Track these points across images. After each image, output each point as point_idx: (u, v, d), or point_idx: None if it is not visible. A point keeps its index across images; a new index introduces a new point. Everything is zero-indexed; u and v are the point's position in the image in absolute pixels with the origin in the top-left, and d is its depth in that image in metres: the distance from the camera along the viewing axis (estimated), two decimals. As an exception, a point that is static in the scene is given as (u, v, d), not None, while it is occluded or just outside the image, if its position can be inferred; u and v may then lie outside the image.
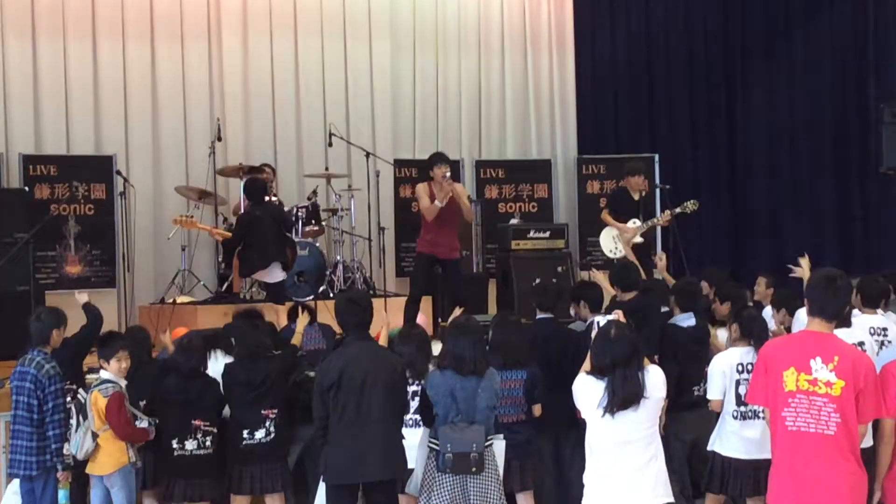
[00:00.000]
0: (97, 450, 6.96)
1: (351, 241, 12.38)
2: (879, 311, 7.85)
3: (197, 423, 7.11)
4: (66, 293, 11.10)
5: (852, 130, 14.16)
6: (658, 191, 12.37)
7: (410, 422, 6.76)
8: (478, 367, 6.34)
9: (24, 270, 10.27)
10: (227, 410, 7.28)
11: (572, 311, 8.55)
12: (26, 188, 11.67)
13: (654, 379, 5.82)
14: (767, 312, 8.34)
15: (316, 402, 6.37)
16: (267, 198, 11.46)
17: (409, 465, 6.58)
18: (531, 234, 12.43)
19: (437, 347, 7.20)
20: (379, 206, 12.66)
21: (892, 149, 12.54)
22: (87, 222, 12.19)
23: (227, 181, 12.49)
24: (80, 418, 7.00)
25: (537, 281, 11.28)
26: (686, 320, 7.78)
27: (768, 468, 5.41)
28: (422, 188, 10.10)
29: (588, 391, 5.77)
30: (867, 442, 5.54)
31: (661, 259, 9.62)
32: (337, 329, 7.89)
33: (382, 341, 7.48)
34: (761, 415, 6.35)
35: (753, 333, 6.81)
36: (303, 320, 8.34)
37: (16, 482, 7.18)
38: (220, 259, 11.89)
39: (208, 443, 7.13)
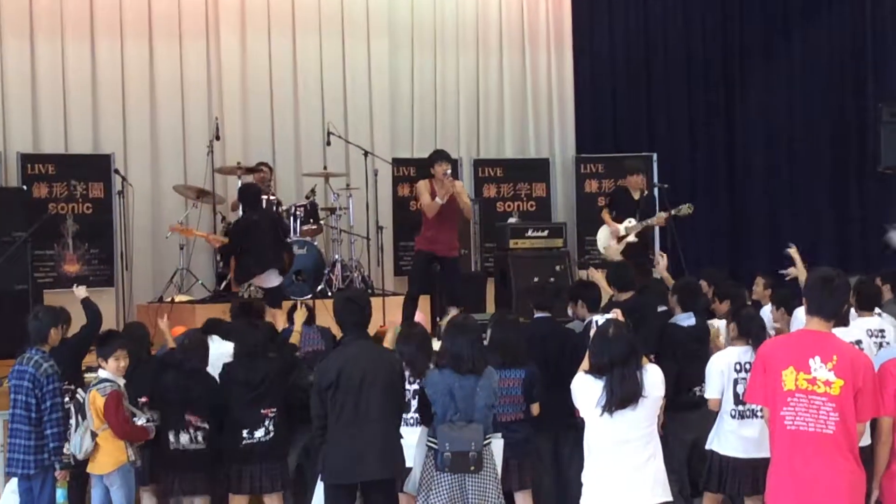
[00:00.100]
0: (96, 449, 6.97)
1: (349, 240, 12.38)
2: (877, 312, 7.87)
3: (190, 418, 7.13)
4: (65, 292, 11.14)
5: (850, 130, 14.16)
6: (656, 190, 12.37)
7: (411, 420, 6.76)
8: (476, 366, 6.34)
9: (23, 269, 10.29)
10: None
11: (570, 311, 8.55)
12: (24, 187, 11.68)
13: (653, 378, 5.82)
14: (766, 312, 8.35)
15: (314, 402, 6.36)
16: (265, 196, 11.51)
17: (408, 464, 6.58)
18: (529, 233, 12.45)
19: (435, 345, 7.21)
20: (377, 205, 12.68)
21: (890, 148, 12.54)
22: (86, 221, 12.18)
23: (226, 180, 12.49)
24: (79, 418, 7.00)
25: (535, 280, 11.32)
26: (686, 319, 7.78)
27: (766, 467, 5.41)
28: (423, 185, 10.11)
29: (586, 390, 5.78)
30: (865, 441, 5.54)
31: (661, 258, 9.62)
32: (336, 331, 7.86)
33: (388, 343, 7.49)
34: (759, 414, 6.35)
35: (751, 333, 6.81)
36: (300, 317, 8.31)
37: (14, 481, 7.20)
38: (218, 258, 11.90)
39: (200, 438, 7.16)
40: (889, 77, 13.55)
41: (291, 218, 11.73)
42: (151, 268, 12.44)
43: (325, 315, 8.34)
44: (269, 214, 10.76)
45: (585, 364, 5.88)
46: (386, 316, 10.65)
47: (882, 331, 7.62)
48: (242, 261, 10.30)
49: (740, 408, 6.70)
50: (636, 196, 11.38)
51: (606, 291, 8.46)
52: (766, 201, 14.89)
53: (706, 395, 6.88)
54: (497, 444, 6.50)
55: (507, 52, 14.61)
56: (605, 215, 11.54)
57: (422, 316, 10.24)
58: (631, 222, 11.20)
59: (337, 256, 12.11)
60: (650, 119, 15.12)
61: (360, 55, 13.67)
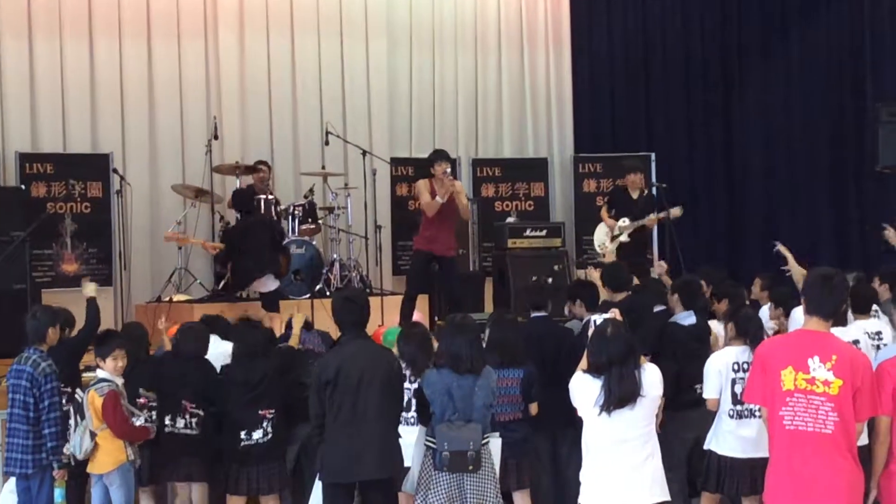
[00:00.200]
0: (96, 449, 6.97)
1: (347, 240, 12.38)
2: (873, 312, 7.88)
3: (185, 403, 7.16)
4: (63, 291, 11.19)
5: (848, 129, 14.15)
6: (655, 189, 12.37)
7: (412, 419, 6.76)
8: (474, 366, 6.34)
9: (21, 269, 10.29)
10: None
11: (568, 310, 8.56)
12: (23, 186, 11.68)
13: (651, 377, 5.83)
14: (764, 313, 8.36)
15: (312, 400, 6.36)
16: (263, 196, 11.52)
17: (406, 464, 6.58)
18: (527, 232, 12.46)
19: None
20: (375, 205, 12.70)
21: (888, 148, 12.53)
22: (84, 220, 12.18)
23: (224, 179, 12.48)
24: (78, 418, 7.01)
25: (534, 279, 11.32)
26: (686, 318, 7.78)
27: (764, 467, 5.41)
28: (422, 184, 10.11)
29: (585, 390, 5.78)
30: (862, 440, 5.54)
31: (661, 266, 9.64)
32: (334, 333, 7.85)
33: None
34: (757, 413, 6.35)
35: (749, 332, 6.81)
36: (298, 321, 8.29)
37: (12, 481, 7.20)
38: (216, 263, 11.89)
39: (194, 424, 7.18)
40: (887, 77, 13.54)
41: (290, 217, 11.74)
42: (150, 267, 12.43)
43: (324, 315, 8.35)
44: (264, 218, 10.77)
45: (584, 363, 5.89)
46: (384, 315, 10.65)
47: (879, 332, 7.63)
48: (239, 267, 10.34)
49: (738, 408, 6.70)
50: (634, 195, 11.38)
51: (604, 291, 8.46)
52: (765, 201, 14.89)
53: (704, 395, 6.88)
54: (495, 444, 6.51)
55: (506, 51, 14.62)
56: (604, 214, 11.55)
57: (419, 315, 10.24)
58: (625, 222, 11.20)
59: (335, 256, 12.11)
60: (648, 119, 15.13)
61: (358, 55, 13.66)
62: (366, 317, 6.56)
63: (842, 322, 6.94)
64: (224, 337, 7.84)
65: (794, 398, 5.16)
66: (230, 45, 13.10)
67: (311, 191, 12.25)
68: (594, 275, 8.98)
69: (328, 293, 11.27)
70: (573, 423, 6.16)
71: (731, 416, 6.73)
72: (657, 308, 8.08)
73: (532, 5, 14.75)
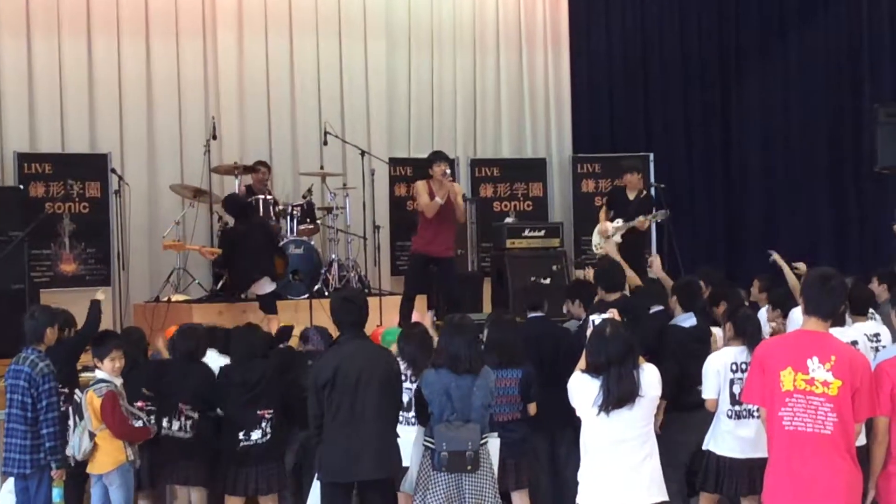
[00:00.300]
0: (96, 449, 6.97)
1: (346, 240, 12.37)
2: (871, 315, 7.87)
3: (182, 406, 7.16)
4: (62, 291, 11.19)
5: (847, 130, 14.16)
6: (653, 190, 12.37)
7: (412, 419, 6.76)
8: (473, 366, 6.35)
9: (19, 269, 10.29)
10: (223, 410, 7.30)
11: (566, 310, 8.56)
12: (21, 186, 11.67)
13: (650, 377, 5.83)
14: (763, 314, 8.35)
15: (311, 400, 6.35)
16: (263, 196, 11.52)
17: (405, 464, 6.58)
18: (526, 232, 12.47)
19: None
20: (374, 205, 12.69)
21: (887, 148, 12.55)
22: (82, 220, 12.18)
23: (222, 179, 12.46)
24: (77, 419, 7.00)
25: (532, 279, 11.33)
26: (687, 320, 7.77)
27: (763, 467, 5.42)
28: (421, 185, 10.10)
29: (583, 389, 5.78)
30: (860, 441, 5.54)
31: (655, 258, 9.62)
32: (333, 332, 7.85)
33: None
34: (756, 414, 6.36)
35: (747, 333, 6.81)
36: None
37: (10, 481, 7.19)
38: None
39: (188, 427, 7.18)
40: (885, 78, 13.55)
41: (288, 217, 11.73)
42: (148, 267, 12.41)
43: (323, 315, 8.35)
44: (258, 221, 10.76)
45: (582, 363, 5.88)
46: (383, 316, 10.65)
47: (878, 334, 7.62)
48: (235, 272, 10.35)
49: (737, 408, 6.69)
50: (631, 196, 11.37)
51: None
52: (763, 202, 14.90)
53: (703, 396, 6.87)
54: (493, 444, 6.51)
55: (504, 52, 14.62)
56: (602, 215, 11.55)
57: (418, 315, 10.22)
58: (619, 222, 11.19)
59: (334, 256, 12.10)
60: (647, 119, 15.14)
61: (357, 55, 13.66)
62: (364, 317, 6.56)
63: (840, 323, 6.93)
64: (222, 351, 7.80)
65: (793, 399, 5.16)
66: (229, 44, 13.10)
67: (309, 191, 12.25)
68: (592, 275, 8.98)
69: (326, 293, 11.26)
70: (572, 424, 6.15)
71: (730, 417, 6.73)
72: (655, 308, 8.07)
73: (530, 6, 14.76)
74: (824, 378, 5.12)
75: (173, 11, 12.84)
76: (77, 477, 7.28)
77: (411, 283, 10.38)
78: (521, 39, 14.69)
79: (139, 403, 7.20)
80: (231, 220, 11.04)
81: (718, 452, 6.81)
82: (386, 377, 6.36)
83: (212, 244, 11.76)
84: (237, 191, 11.72)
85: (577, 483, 5.93)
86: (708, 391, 6.80)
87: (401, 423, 6.72)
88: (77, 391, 7.18)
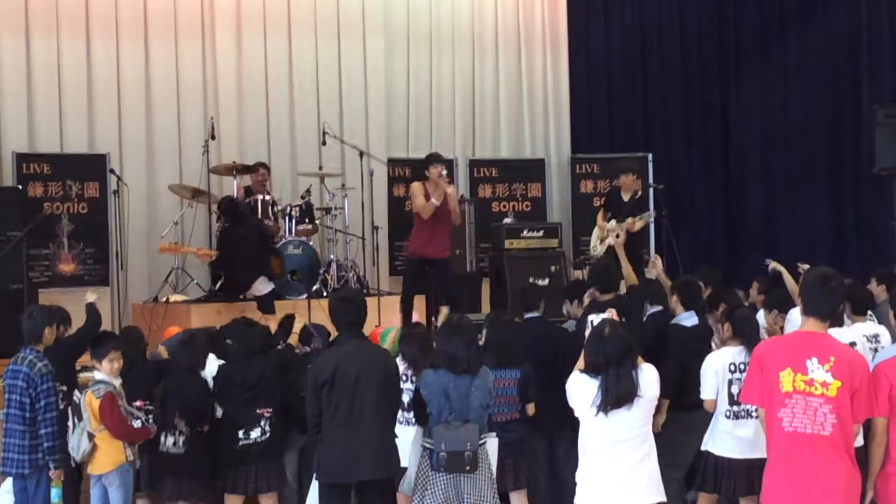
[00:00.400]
0: (95, 450, 6.97)
1: (344, 240, 12.36)
2: (869, 317, 7.87)
3: (176, 421, 7.14)
4: (60, 291, 11.19)
5: (846, 131, 14.17)
6: (652, 190, 12.37)
7: (412, 420, 6.75)
8: (471, 366, 6.35)
9: (18, 269, 10.29)
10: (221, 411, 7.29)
11: (565, 310, 8.55)
12: (20, 186, 11.67)
13: (648, 378, 5.82)
14: (762, 316, 8.34)
15: (309, 400, 6.35)
16: (261, 197, 11.52)
17: (403, 464, 6.58)
18: (525, 233, 12.47)
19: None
20: (372, 205, 12.68)
21: (886, 150, 12.54)
22: (81, 221, 12.18)
23: (221, 180, 12.46)
24: (76, 420, 6.99)
25: (531, 280, 11.32)
26: (688, 319, 7.77)
27: (762, 468, 5.42)
28: (416, 187, 10.08)
29: (582, 390, 5.77)
30: (857, 441, 5.54)
31: (657, 260, 9.62)
32: (331, 329, 7.84)
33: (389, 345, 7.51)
34: (754, 414, 6.35)
35: (745, 333, 6.81)
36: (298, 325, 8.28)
37: (9, 481, 7.19)
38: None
39: (181, 442, 7.14)
40: (884, 78, 13.56)
41: (287, 218, 11.73)
42: (147, 267, 12.41)
43: (321, 315, 8.34)
44: (251, 223, 10.75)
45: (581, 363, 5.88)
46: (381, 316, 10.64)
47: (877, 335, 7.61)
48: (232, 274, 10.35)
49: (735, 408, 6.69)
50: (626, 197, 11.34)
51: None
52: (763, 202, 14.91)
53: (701, 396, 6.87)
54: (492, 444, 6.51)
55: (503, 52, 14.62)
56: (599, 216, 11.54)
57: (416, 316, 10.22)
58: (612, 224, 11.19)
59: (332, 256, 12.09)
60: (646, 120, 15.15)
61: (355, 55, 13.66)
62: (363, 317, 6.55)
63: (838, 323, 6.93)
64: (220, 357, 7.77)
65: (792, 400, 5.16)
66: (227, 45, 13.10)
67: (308, 191, 12.26)
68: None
69: (325, 293, 11.26)
70: (570, 424, 6.15)
71: (728, 417, 6.73)
72: (654, 309, 8.07)
73: (529, 6, 14.76)
74: (823, 379, 5.12)
75: (172, 12, 12.84)
76: (72, 477, 7.27)
77: (409, 286, 10.36)
78: (520, 40, 14.69)
79: (138, 403, 7.18)
80: (217, 237, 11.05)
81: (717, 453, 6.80)
82: (385, 377, 6.36)
83: (210, 244, 11.76)
84: (236, 191, 11.73)
85: (575, 483, 5.93)
86: (706, 391, 6.80)
87: (399, 423, 6.72)
88: (76, 392, 7.17)
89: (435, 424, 6.26)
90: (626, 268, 8.82)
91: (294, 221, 11.74)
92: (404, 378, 6.96)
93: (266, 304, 10.32)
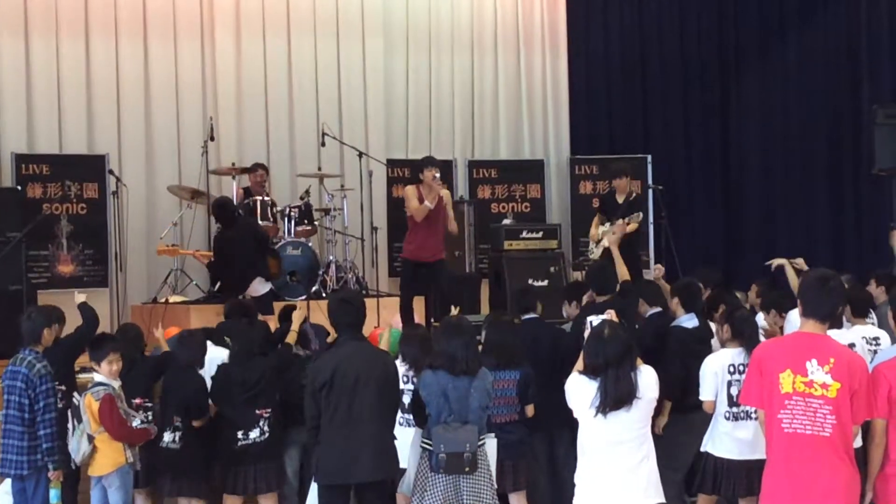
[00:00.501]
0: (95, 451, 6.96)
1: (343, 241, 12.35)
2: (870, 320, 7.87)
3: (174, 417, 7.16)
4: (59, 292, 11.17)
5: (845, 131, 14.16)
6: (651, 191, 12.36)
7: (411, 421, 6.75)
8: (470, 367, 6.35)
9: (17, 270, 10.29)
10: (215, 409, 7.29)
11: (564, 311, 8.55)
12: (19, 187, 11.67)
13: (647, 379, 5.81)
14: (761, 318, 8.33)
15: (308, 402, 6.35)
16: (260, 198, 11.51)
17: (402, 465, 6.58)
18: (524, 234, 12.45)
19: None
20: (372, 206, 12.66)
21: (885, 150, 12.52)
22: (80, 222, 12.18)
23: (220, 180, 12.47)
24: (76, 422, 6.99)
25: (529, 281, 11.31)
26: (689, 321, 7.77)
27: (761, 469, 5.42)
28: (410, 190, 10.04)
29: (581, 391, 5.77)
30: (857, 442, 5.54)
31: (659, 269, 9.62)
32: (330, 328, 7.84)
33: (385, 345, 7.52)
34: (754, 416, 6.35)
35: (744, 334, 6.81)
36: (298, 318, 8.25)
37: (7, 482, 7.18)
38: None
39: (176, 438, 7.16)
40: (884, 79, 13.55)
41: (286, 219, 11.72)
42: (146, 268, 12.42)
43: (320, 316, 8.33)
44: (245, 225, 10.74)
45: (580, 364, 5.88)
46: (380, 317, 10.63)
47: (877, 338, 7.61)
48: (230, 276, 10.36)
49: (734, 409, 6.69)
50: (620, 200, 11.31)
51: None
52: (762, 203, 14.90)
53: (700, 397, 6.87)
54: (491, 445, 6.51)
55: (502, 53, 14.62)
56: (595, 220, 11.53)
57: (416, 318, 10.21)
58: (606, 226, 11.18)
59: (331, 257, 12.08)
60: (645, 121, 15.14)
61: (354, 56, 13.66)
62: (362, 318, 6.56)
63: (838, 324, 6.93)
64: (217, 342, 7.78)
65: (792, 401, 5.16)
66: (226, 46, 13.10)
67: (307, 192, 12.25)
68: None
69: (324, 295, 11.25)
70: (569, 425, 6.15)
71: (728, 418, 6.73)
72: (653, 310, 8.07)
73: (528, 7, 14.76)
74: (823, 380, 5.12)
75: (171, 13, 12.84)
76: (70, 478, 7.27)
77: (407, 289, 10.34)
78: (519, 41, 14.68)
79: (137, 401, 7.18)
80: (213, 239, 11.05)
81: (716, 454, 6.80)
82: (384, 378, 6.36)
83: (209, 245, 11.75)
84: (235, 192, 11.72)
85: (574, 484, 5.93)
86: (705, 393, 6.80)
87: (399, 424, 6.72)
88: (75, 394, 7.16)
89: (434, 425, 6.26)
90: (621, 268, 8.80)
91: (293, 222, 11.73)
92: (405, 379, 6.96)
93: (264, 305, 10.30)
